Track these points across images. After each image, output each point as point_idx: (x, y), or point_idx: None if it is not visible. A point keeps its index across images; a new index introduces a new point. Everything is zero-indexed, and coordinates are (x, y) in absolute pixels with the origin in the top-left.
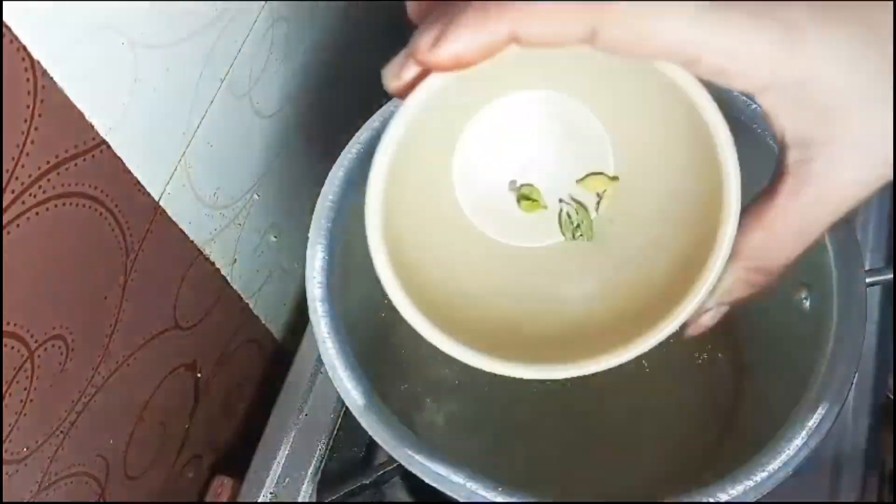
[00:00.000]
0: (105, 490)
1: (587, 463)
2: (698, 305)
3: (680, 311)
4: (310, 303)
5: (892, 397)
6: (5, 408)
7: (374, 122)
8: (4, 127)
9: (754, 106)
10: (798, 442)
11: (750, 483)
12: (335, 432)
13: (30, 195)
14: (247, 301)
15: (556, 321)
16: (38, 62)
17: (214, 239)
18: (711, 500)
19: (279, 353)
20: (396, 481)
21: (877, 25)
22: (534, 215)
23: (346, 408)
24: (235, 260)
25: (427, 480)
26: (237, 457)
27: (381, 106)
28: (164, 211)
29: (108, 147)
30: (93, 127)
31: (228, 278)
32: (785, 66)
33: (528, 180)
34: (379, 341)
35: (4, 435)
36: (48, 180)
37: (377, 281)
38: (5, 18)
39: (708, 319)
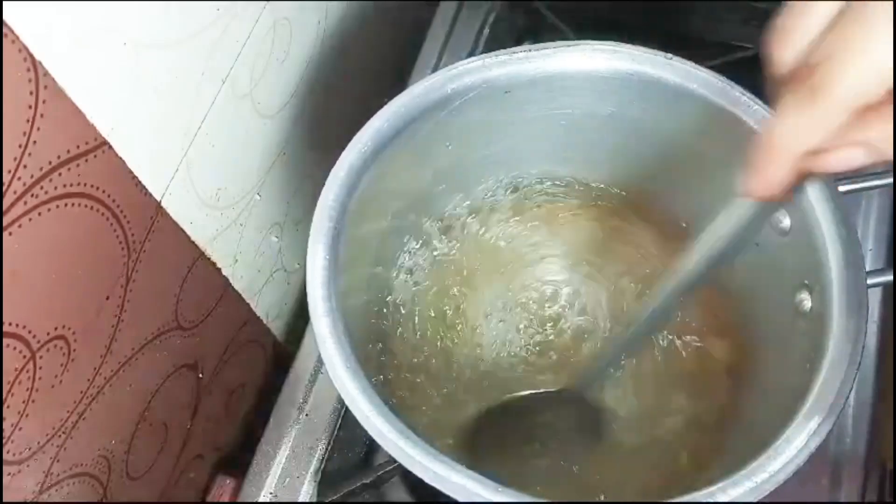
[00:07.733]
0: (107, 490)
1: (587, 464)
2: None
3: None
4: (310, 303)
5: (892, 398)
6: (7, 408)
7: (374, 121)
8: (6, 127)
9: (755, 107)
10: (798, 443)
11: (750, 484)
12: (335, 432)
13: (32, 196)
14: (248, 301)
15: None
16: (40, 63)
17: (216, 239)
18: (711, 501)
19: (280, 353)
20: (396, 481)
21: None
22: None
23: (346, 408)
24: (237, 260)
25: (427, 480)
26: (238, 457)
27: (382, 105)
28: (165, 211)
29: (110, 147)
30: (94, 127)
31: (230, 278)
32: None
33: None
34: (379, 341)
35: (6, 435)
36: (50, 181)
37: (376, 280)
38: (6, 19)
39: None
